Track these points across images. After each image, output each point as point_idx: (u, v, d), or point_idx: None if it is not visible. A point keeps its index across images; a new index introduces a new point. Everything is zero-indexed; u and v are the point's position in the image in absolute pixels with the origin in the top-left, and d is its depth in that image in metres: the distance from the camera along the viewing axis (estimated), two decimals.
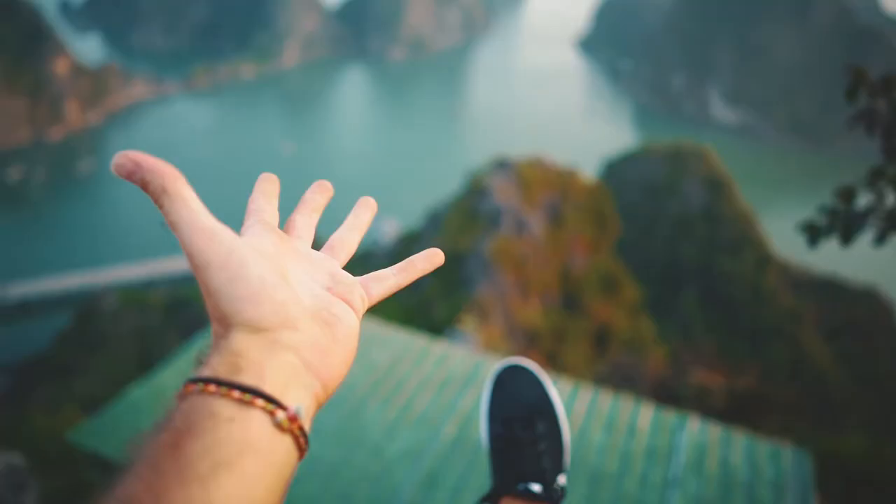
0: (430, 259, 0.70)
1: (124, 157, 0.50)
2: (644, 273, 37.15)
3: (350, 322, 0.57)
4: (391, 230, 50.52)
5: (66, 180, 70.44)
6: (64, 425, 8.94)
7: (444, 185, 58.76)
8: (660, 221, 40.57)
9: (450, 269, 32.24)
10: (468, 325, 22.63)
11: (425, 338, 6.76)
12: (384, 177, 70.58)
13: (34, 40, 78.30)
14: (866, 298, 33.61)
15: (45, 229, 60.51)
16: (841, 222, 2.26)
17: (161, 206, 0.51)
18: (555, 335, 28.20)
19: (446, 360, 6.26)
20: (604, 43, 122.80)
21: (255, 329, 0.49)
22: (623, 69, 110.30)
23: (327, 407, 5.38)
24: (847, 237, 2.25)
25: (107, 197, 66.08)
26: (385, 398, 5.74)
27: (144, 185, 0.51)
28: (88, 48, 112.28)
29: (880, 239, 2.15)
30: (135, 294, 32.24)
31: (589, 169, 46.30)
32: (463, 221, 34.99)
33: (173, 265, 48.63)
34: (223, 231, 0.52)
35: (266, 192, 0.65)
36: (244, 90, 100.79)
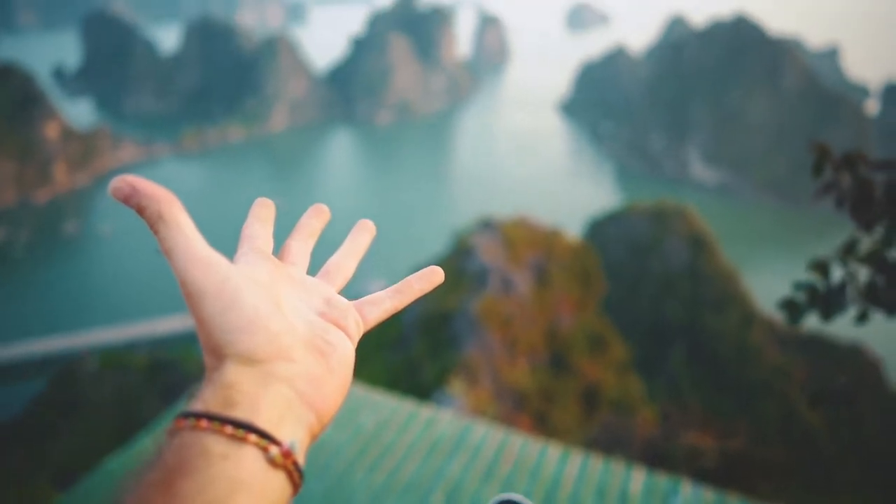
0: (428, 278, 0.67)
1: (122, 181, 0.50)
2: (630, 331, 37.17)
3: (345, 350, 0.56)
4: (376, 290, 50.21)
5: (50, 242, 69.98)
6: (36, 502, 8.64)
7: (430, 245, 59.14)
8: (644, 279, 40.94)
9: (437, 329, 32.10)
10: (456, 387, 22.34)
11: (413, 402, 6.71)
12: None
13: (27, 105, 79.41)
14: (853, 355, 33.75)
15: (27, 291, 59.66)
16: (820, 299, 2.31)
17: (156, 233, 0.51)
18: (543, 396, 27.86)
19: (434, 424, 6.20)
20: (585, 106, 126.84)
21: (249, 360, 0.48)
22: (604, 131, 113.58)
23: (313, 474, 5.29)
24: (827, 315, 2.29)
25: (91, 258, 65.61)
26: (371, 465, 5.65)
27: (141, 210, 0.51)
28: (80, 112, 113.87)
29: (861, 318, 2.20)
30: (115, 356, 31.60)
31: (573, 228, 46.97)
32: (449, 281, 35.06)
33: (156, 327, 47.90)
34: (218, 259, 0.51)
35: (261, 218, 0.64)
36: (233, 153, 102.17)
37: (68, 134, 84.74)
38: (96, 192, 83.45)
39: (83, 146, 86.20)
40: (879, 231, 2.05)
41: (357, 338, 0.59)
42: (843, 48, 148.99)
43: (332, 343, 0.54)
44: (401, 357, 30.79)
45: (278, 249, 0.63)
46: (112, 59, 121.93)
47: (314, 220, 0.69)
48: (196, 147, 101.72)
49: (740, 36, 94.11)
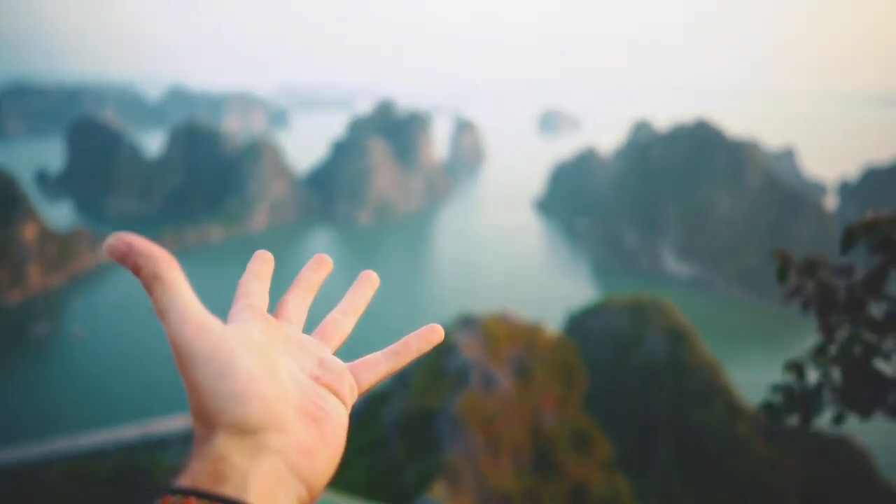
0: (426, 338, 0.65)
1: (118, 238, 0.49)
2: (614, 426, 36.57)
3: (338, 417, 0.54)
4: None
5: (19, 344, 67.92)
6: None
7: None
8: (626, 373, 40.78)
9: (418, 430, 31.25)
10: (439, 493, 21.52)
11: None
12: (349, 336, 70.05)
13: (6, 207, 79.66)
14: (840, 447, 33.43)
15: None
16: (797, 401, 2.42)
17: (151, 293, 0.50)
18: (529, 498, 26.90)
19: None
20: (559, 204, 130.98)
21: (241, 430, 0.46)
22: (579, 228, 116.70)
23: None
24: (806, 418, 2.41)
25: (60, 362, 63.57)
26: None
27: (136, 270, 0.49)
28: (61, 214, 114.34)
29: (838, 420, 2.33)
30: (80, 466, 30.01)
31: (553, 323, 47.15)
32: (430, 379, 34.57)
33: (124, 434, 45.89)
34: (213, 323, 0.51)
35: (258, 273, 0.63)
36: (212, 252, 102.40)
37: (45, 235, 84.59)
38: (70, 293, 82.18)
39: (60, 248, 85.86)
40: (844, 333, 2.21)
41: (351, 403, 0.57)
42: (799, 149, 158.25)
43: (326, 410, 0.53)
44: (380, 460, 29.74)
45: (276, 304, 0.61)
46: (96, 162, 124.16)
47: (314, 274, 0.67)
48: (176, 246, 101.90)
49: (702, 138, 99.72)
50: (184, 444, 44.84)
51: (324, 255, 0.66)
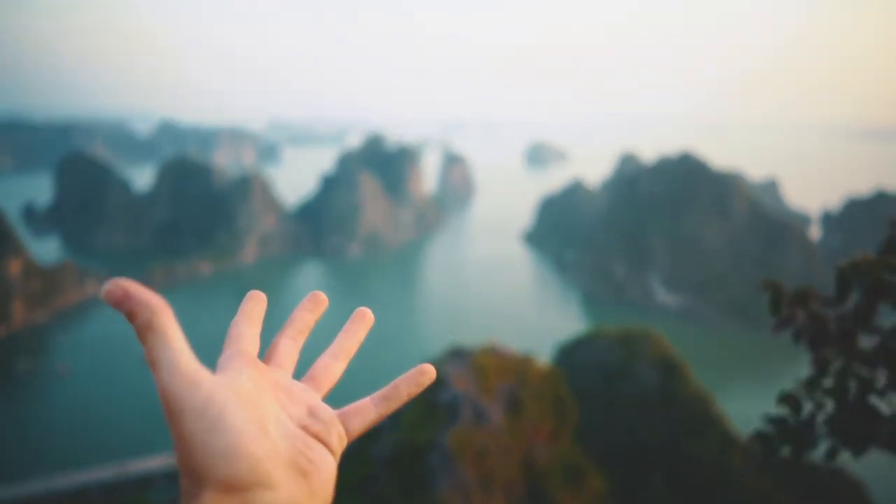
0: (416, 381, 0.64)
1: (115, 284, 0.49)
2: (606, 458, 36.20)
3: (327, 469, 0.54)
4: None
5: (2, 380, 66.58)
6: None
7: (400, 375, 58.02)
8: (617, 404, 40.54)
9: (408, 466, 30.76)
10: None
11: None
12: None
13: None
14: (834, 478, 33.24)
15: None
16: (790, 433, 2.44)
17: (144, 342, 0.50)
18: None
19: None
20: (547, 236, 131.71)
21: (229, 488, 0.46)
22: (568, 260, 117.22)
23: None
24: (799, 452, 2.42)
25: (43, 398, 62.29)
26: None
27: (131, 317, 0.49)
28: (48, 249, 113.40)
29: (830, 455, 2.34)
30: None
31: (543, 354, 46.97)
32: (420, 413, 34.18)
33: (109, 473, 44.82)
34: (204, 375, 0.50)
35: (249, 315, 0.62)
36: (201, 286, 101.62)
37: (30, 270, 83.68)
38: (56, 328, 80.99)
39: (45, 282, 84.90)
40: (837, 366, 2.25)
41: (340, 452, 0.57)
42: (781, 180, 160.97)
43: (315, 462, 0.52)
44: (370, 497, 29.17)
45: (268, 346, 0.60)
46: (85, 197, 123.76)
47: (308, 314, 0.66)
48: (164, 282, 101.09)
49: (687, 170, 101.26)
50: (169, 482, 43.83)
51: (319, 292, 0.65)
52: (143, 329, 0.49)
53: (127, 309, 0.49)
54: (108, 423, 55.82)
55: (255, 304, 0.62)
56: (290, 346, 0.64)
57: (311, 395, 0.59)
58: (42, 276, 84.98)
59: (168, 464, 44.75)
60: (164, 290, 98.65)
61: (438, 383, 35.74)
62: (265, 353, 0.61)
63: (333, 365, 0.65)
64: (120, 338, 76.49)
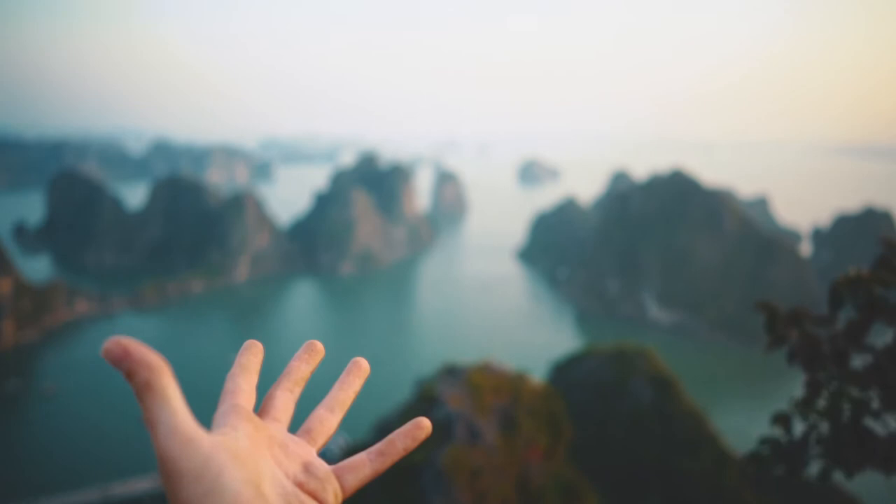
0: (412, 435, 0.64)
1: (115, 343, 0.50)
2: (602, 476, 35.97)
3: None
4: (337, 448, 48.63)
5: None
6: None
7: (394, 395, 57.62)
8: (612, 421, 40.39)
9: (402, 485, 30.46)
10: None
11: None
12: (331, 387, 68.93)
13: None
14: (828, 495, 33.13)
15: None
16: (784, 454, 2.44)
17: (141, 402, 0.49)
18: None
19: None
20: (540, 252, 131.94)
21: None
22: (560, 276, 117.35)
23: None
24: (792, 472, 2.43)
25: (30, 419, 61.40)
26: None
27: (129, 376, 0.49)
28: (39, 268, 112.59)
29: (823, 478, 2.35)
30: None
31: (537, 371, 46.84)
32: None
33: (94, 496, 44.17)
34: (201, 437, 0.49)
35: (246, 368, 0.62)
36: (193, 304, 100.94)
37: (20, 289, 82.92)
38: (45, 348, 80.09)
39: (35, 301, 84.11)
40: (831, 387, 2.27)
41: None
42: (771, 197, 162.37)
43: None
44: None
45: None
46: (77, 216, 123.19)
47: (304, 365, 0.66)
48: (156, 300, 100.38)
49: (679, 187, 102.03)
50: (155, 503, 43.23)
51: (315, 342, 0.65)
52: (140, 388, 0.49)
53: (125, 368, 0.49)
54: (95, 446, 55.05)
55: (251, 356, 0.62)
56: (286, 399, 0.64)
57: (306, 450, 0.60)
58: (32, 295, 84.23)
59: (154, 486, 44.18)
60: (155, 309, 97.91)
61: (432, 401, 35.52)
62: (261, 405, 0.61)
63: (329, 418, 0.66)
64: (104, 360, 75.69)
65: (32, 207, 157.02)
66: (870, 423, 2.21)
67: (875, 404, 2.20)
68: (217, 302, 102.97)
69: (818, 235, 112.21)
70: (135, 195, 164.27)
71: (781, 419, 2.43)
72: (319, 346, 0.67)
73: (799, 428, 2.49)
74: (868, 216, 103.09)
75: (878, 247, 2.42)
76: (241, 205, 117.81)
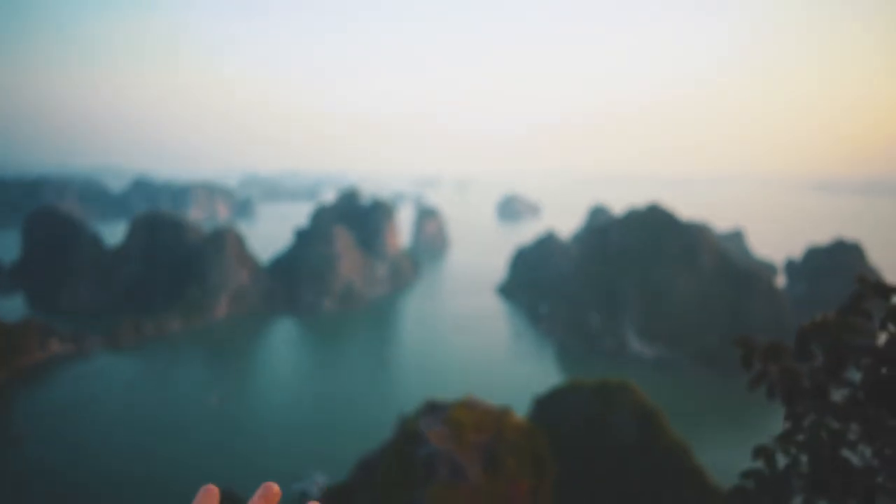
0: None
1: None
2: None
3: None
4: (316, 489, 47.45)
5: None
6: None
7: (375, 432, 56.68)
8: (596, 456, 40.04)
9: None
10: None
11: None
12: (313, 427, 67.64)
13: None
14: None
15: None
16: (768, 486, 2.49)
17: None
18: None
19: None
20: (521, 288, 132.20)
21: None
22: (542, 311, 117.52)
23: None
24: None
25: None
26: None
27: None
28: (11, 307, 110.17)
29: None
30: None
31: (519, 406, 46.45)
32: (397, 470, 33.28)
33: None
34: None
35: None
36: (171, 344, 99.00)
37: None
38: (15, 389, 77.63)
39: (6, 341, 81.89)
40: (810, 419, 2.34)
41: None
42: (746, 230, 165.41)
43: None
44: None
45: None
46: (53, 254, 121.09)
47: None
48: (132, 339, 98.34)
49: (656, 220, 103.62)
50: None
51: (271, 483, 0.64)
52: None
53: None
54: (61, 491, 53.15)
55: (207, 499, 0.64)
56: None
57: None
58: (4, 335, 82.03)
59: None
60: (131, 348, 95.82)
61: (414, 438, 34.96)
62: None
63: None
64: (77, 403, 73.85)
65: (9, 246, 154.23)
66: (847, 454, 2.27)
67: (852, 436, 2.27)
68: (196, 340, 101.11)
69: (791, 267, 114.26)
70: (114, 233, 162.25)
71: (763, 452, 2.48)
72: (275, 487, 0.63)
73: (780, 462, 2.54)
74: (838, 248, 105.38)
75: (851, 282, 2.52)
76: (221, 241, 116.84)
